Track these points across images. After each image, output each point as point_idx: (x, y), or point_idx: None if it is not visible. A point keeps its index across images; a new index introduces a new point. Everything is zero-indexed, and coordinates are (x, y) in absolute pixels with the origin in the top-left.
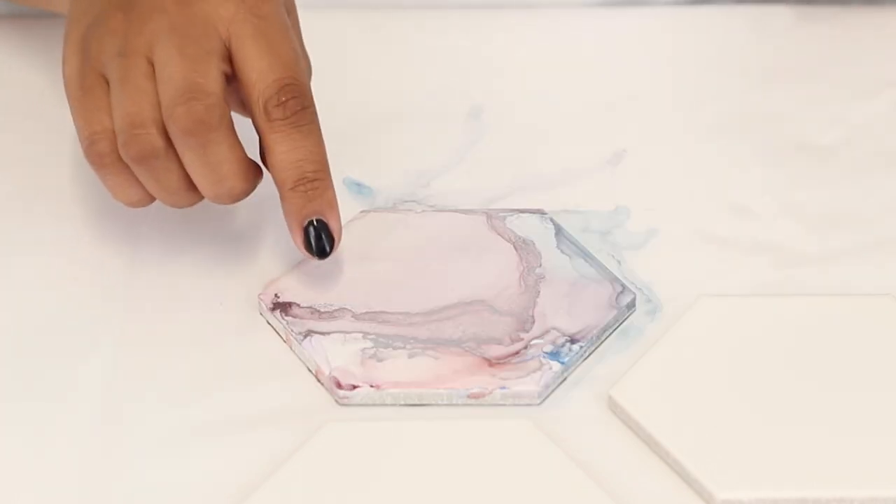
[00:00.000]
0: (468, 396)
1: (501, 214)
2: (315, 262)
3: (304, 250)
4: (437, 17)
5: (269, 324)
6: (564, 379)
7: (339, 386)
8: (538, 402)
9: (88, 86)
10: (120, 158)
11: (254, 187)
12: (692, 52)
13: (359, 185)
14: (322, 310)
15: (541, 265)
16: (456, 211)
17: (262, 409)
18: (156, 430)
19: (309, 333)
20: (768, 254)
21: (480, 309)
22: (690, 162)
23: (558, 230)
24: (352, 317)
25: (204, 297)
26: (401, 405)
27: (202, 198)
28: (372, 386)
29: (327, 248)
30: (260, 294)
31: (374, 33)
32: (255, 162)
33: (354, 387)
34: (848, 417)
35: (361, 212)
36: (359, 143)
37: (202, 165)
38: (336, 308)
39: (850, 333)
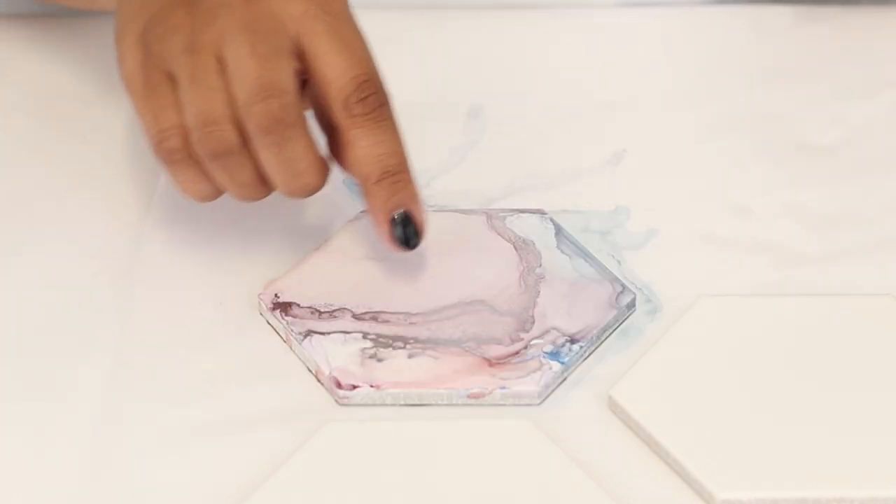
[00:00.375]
0: (468, 396)
1: (501, 214)
2: (402, 253)
3: (390, 243)
4: (437, 16)
5: (269, 324)
6: (564, 379)
7: (339, 386)
8: (538, 402)
9: (154, 83)
10: (191, 155)
11: (325, 182)
12: (692, 52)
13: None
14: (322, 310)
15: (541, 265)
16: (456, 211)
17: (262, 409)
18: (156, 430)
19: (309, 333)
20: (768, 254)
21: (480, 309)
22: (690, 162)
23: (558, 230)
24: (352, 317)
25: (204, 297)
26: (401, 405)
27: (272, 191)
28: (372, 386)
29: (414, 240)
30: (260, 294)
31: (373, 33)
32: (325, 158)
33: (354, 387)
34: (848, 417)
35: (361, 212)
36: None
37: (279, 163)
38: (336, 308)
39: (850, 333)
